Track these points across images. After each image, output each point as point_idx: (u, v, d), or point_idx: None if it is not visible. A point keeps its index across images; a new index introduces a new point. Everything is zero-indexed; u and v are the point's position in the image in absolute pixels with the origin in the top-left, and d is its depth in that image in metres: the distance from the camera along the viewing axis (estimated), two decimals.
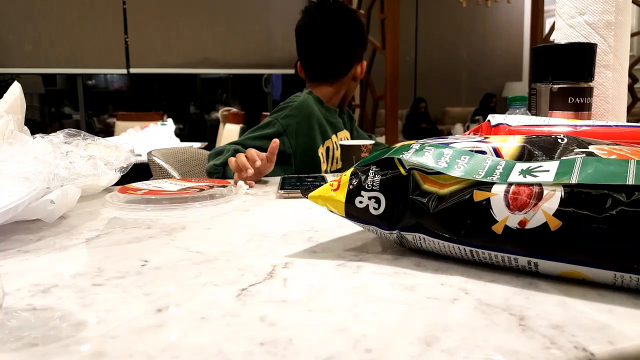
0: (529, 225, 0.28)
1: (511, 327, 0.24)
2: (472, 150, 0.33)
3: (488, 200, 0.30)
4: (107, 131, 3.87)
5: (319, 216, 0.49)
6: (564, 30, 0.58)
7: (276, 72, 4.20)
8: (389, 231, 0.34)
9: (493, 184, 0.30)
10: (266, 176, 0.75)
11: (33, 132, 0.53)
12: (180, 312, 0.26)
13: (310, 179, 0.68)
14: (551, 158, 0.31)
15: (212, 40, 3.98)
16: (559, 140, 0.32)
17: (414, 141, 0.36)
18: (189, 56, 3.96)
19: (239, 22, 4.01)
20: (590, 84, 0.54)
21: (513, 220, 0.29)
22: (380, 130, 3.01)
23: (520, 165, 0.31)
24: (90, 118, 4.41)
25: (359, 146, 0.78)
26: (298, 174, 0.87)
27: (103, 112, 4.52)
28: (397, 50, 2.40)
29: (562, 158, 0.30)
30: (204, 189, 0.59)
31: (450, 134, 4.14)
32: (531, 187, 0.29)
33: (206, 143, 2.26)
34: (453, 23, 4.86)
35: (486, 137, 0.35)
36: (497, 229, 0.29)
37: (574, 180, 0.28)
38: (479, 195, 0.30)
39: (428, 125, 4.47)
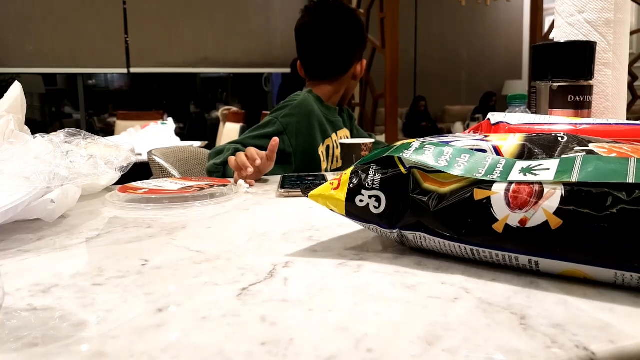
0: (529, 224, 0.28)
1: (512, 326, 0.24)
2: (472, 149, 0.33)
3: (489, 198, 0.30)
4: (108, 130, 3.87)
5: (319, 215, 0.49)
6: (564, 28, 0.58)
7: (276, 71, 4.20)
8: (389, 230, 0.34)
9: (493, 182, 0.30)
10: (266, 175, 0.75)
11: (33, 132, 0.53)
12: (181, 311, 0.26)
13: (311, 178, 0.68)
14: (551, 156, 0.31)
15: (212, 39, 3.98)
16: (559, 139, 0.32)
17: (414, 140, 0.36)
18: (189, 55, 3.96)
19: (239, 22, 4.01)
20: (590, 82, 0.54)
21: (514, 218, 0.29)
22: (380, 128, 3.00)
23: (521, 164, 0.31)
24: (90, 117, 4.41)
25: (359, 145, 0.78)
26: (298, 172, 0.87)
27: (103, 112, 4.52)
28: (397, 49, 2.39)
29: (563, 156, 0.30)
30: (204, 188, 0.58)
31: (450, 132, 4.13)
32: (532, 186, 0.29)
33: (206, 142, 2.26)
34: (452, 22, 4.86)
35: (486, 136, 0.35)
36: (498, 227, 0.29)
37: (574, 178, 0.28)
38: (479, 194, 0.30)
39: (428, 123, 4.46)
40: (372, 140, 0.81)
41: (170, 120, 2.34)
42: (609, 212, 0.26)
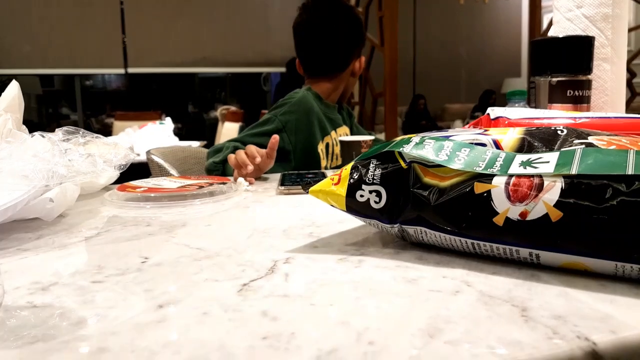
0: (529, 217, 0.28)
1: (514, 318, 0.24)
2: (472, 143, 0.33)
3: (489, 192, 0.30)
4: (105, 131, 3.86)
5: (319, 212, 0.49)
6: (562, 23, 0.58)
7: (274, 71, 4.20)
8: (390, 225, 0.34)
9: (493, 175, 0.30)
10: (266, 173, 0.75)
11: (31, 133, 0.53)
12: (182, 308, 0.26)
13: (311, 175, 0.68)
14: (551, 149, 0.31)
15: (210, 39, 3.98)
16: (559, 132, 0.32)
17: (414, 134, 0.36)
18: (187, 55, 3.95)
19: (237, 21, 4.00)
20: (589, 76, 0.54)
21: (514, 211, 0.29)
22: (380, 127, 3.01)
23: (521, 157, 0.31)
24: (88, 118, 4.40)
25: (359, 142, 0.78)
26: (297, 170, 0.86)
27: (101, 112, 4.51)
28: (396, 47, 2.39)
29: (562, 149, 0.30)
30: (203, 186, 0.58)
31: None
32: (531, 179, 0.29)
33: (205, 142, 2.26)
34: (451, 20, 4.86)
35: (486, 130, 0.35)
36: (498, 220, 0.29)
37: (574, 171, 0.28)
38: (479, 188, 0.30)
39: (427, 122, 4.46)
40: (372, 137, 0.81)
41: (168, 120, 2.33)
42: (609, 204, 0.26)
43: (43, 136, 0.45)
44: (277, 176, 0.72)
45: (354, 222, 0.43)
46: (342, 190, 0.35)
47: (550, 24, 2.98)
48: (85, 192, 0.61)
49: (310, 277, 0.30)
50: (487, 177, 0.30)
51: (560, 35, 0.55)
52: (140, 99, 4.67)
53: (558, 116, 0.43)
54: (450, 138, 0.34)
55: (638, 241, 0.26)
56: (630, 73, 2.18)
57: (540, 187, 0.28)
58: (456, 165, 0.31)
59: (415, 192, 0.33)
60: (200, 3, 3.90)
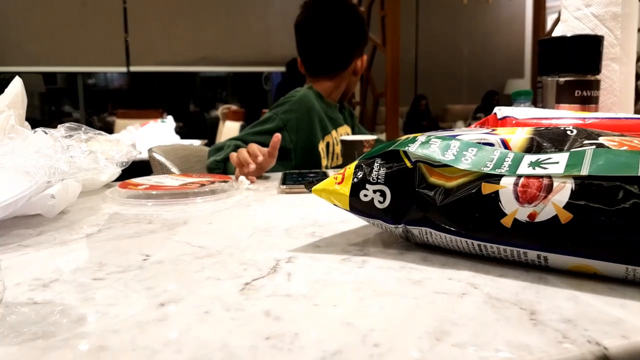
0: (538, 218, 0.28)
1: (522, 321, 0.23)
2: (479, 143, 0.33)
3: (497, 193, 0.29)
4: (107, 129, 3.85)
5: (322, 211, 0.48)
6: (570, 22, 0.57)
7: (276, 70, 4.20)
8: (394, 225, 0.34)
9: (502, 176, 0.29)
10: (266, 172, 0.75)
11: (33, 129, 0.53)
12: (183, 306, 0.26)
13: (312, 175, 0.68)
14: (561, 150, 0.30)
15: (211, 38, 3.98)
16: (568, 132, 0.32)
17: (420, 134, 0.35)
18: (188, 54, 3.95)
19: (238, 20, 4.00)
20: (598, 76, 0.54)
21: (522, 213, 0.28)
22: (381, 127, 3.00)
23: (530, 157, 0.30)
24: (90, 116, 4.41)
25: (361, 141, 0.77)
26: (298, 169, 0.86)
27: (103, 111, 4.51)
28: (398, 47, 2.38)
29: (572, 150, 0.30)
30: (205, 185, 0.58)
31: None
32: (541, 180, 0.28)
33: (206, 141, 2.25)
34: (454, 20, 4.85)
35: (493, 129, 0.34)
36: (506, 222, 0.29)
37: (584, 172, 0.27)
38: (487, 188, 0.30)
39: (429, 123, 4.45)
40: (375, 137, 0.80)
41: (169, 118, 2.33)
42: (621, 206, 0.26)
43: (45, 132, 0.45)
44: (279, 175, 0.71)
45: (356, 222, 0.43)
46: (346, 189, 0.35)
47: (555, 24, 2.96)
48: (87, 189, 0.60)
49: (313, 277, 0.30)
50: (495, 178, 0.30)
51: (569, 35, 0.54)
52: (142, 97, 4.67)
53: (566, 116, 0.42)
54: (457, 137, 0.33)
55: None
56: (638, 76, 2.17)
57: (549, 188, 0.28)
58: (463, 165, 0.31)
59: (421, 192, 0.32)
60: (202, 2, 3.91)
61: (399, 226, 0.34)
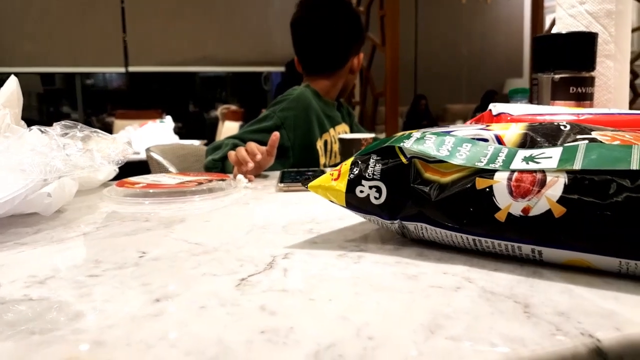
0: (532, 213, 0.28)
1: (516, 314, 0.24)
2: (473, 138, 0.33)
3: (491, 187, 0.29)
4: (106, 130, 3.83)
5: (319, 208, 0.48)
6: (565, 19, 0.57)
7: (275, 70, 4.19)
8: (390, 221, 0.34)
9: (495, 171, 0.30)
10: (264, 170, 0.75)
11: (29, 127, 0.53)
12: (179, 302, 0.26)
13: (310, 173, 0.68)
14: (554, 145, 0.31)
15: (210, 38, 3.97)
16: (562, 127, 0.32)
17: (415, 130, 0.35)
18: (187, 54, 3.95)
19: (237, 20, 4.00)
20: (592, 73, 0.54)
21: (516, 207, 0.28)
22: (381, 127, 3.00)
23: (523, 152, 0.30)
24: (88, 117, 4.41)
25: (359, 140, 0.77)
26: (296, 167, 0.86)
27: (102, 111, 4.51)
28: (397, 47, 2.38)
29: (565, 144, 0.30)
30: (202, 183, 0.58)
31: None
32: (534, 174, 0.28)
33: (205, 141, 2.25)
34: (453, 20, 4.85)
35: (488, 125, 0.35)
36: (500, 216, 0.29)
37: (577, 166, 0.27)
38: (481, 183, 0.30)
39: (429, 122, 4.46)
40: (372, 135, 0.80)
41: (168, 118, 2.33)
42: (613, 200, 0.26)
43: (41, 131, 0.45)
44: (277, 173, 0.71)
45: (354, 218, 0.43)
46: (342, 185, 0.35)
47: (552, 24, 2.97)
48: (84, 188, 0.60)
49: (309, 273, 0.30)
50: (489, 173, 0.30)
51: (563, 32, 0.55)
52: (140, 97, 4.67)
53: (561, 112, 0.42)
54: (451, 133, 0.33)
55: None
56: (633, 74, 2.17)
57: (543, 183, 0.28)
58: (457, 160, 0.31)
59: (416, 187, 0.32)
60: (201, 2, 3.90)
61: (395, 222, 0.34)
